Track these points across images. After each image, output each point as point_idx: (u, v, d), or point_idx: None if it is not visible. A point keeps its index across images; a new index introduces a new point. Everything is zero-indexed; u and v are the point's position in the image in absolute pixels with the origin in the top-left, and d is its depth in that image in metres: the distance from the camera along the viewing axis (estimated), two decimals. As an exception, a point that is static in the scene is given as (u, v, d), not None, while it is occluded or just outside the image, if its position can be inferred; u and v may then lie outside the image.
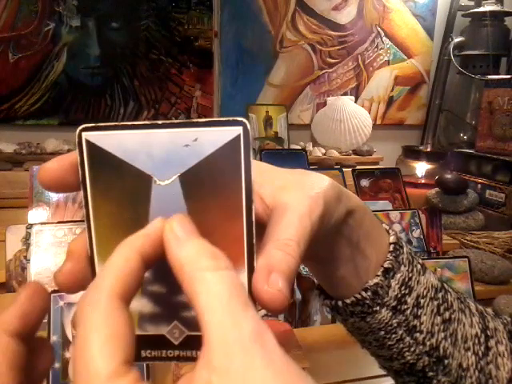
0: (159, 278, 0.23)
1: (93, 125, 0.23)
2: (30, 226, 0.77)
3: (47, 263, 0.73)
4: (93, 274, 0.24)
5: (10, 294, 0.79)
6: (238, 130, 0.22)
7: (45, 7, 1.55)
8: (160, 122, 0.22)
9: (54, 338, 0.56)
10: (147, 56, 1.68)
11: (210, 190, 0.22)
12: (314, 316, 0.79)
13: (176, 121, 0.22)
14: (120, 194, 0.23)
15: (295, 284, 0.79)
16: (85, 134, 0.23)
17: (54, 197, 0.92)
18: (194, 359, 0.23)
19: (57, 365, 0.55)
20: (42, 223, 0.79)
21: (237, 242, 0.22)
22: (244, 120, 0.22)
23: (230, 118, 0.22)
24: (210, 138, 0.22)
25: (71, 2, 1.57)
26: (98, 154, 0.23)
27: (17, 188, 1.20)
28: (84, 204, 0.23)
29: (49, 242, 0.75)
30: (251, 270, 0.22)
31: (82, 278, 0.23)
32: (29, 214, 0.90)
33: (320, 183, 0.27)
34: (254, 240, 0.22)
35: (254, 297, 0.22)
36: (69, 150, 1.46)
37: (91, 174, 0.23)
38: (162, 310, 0.23)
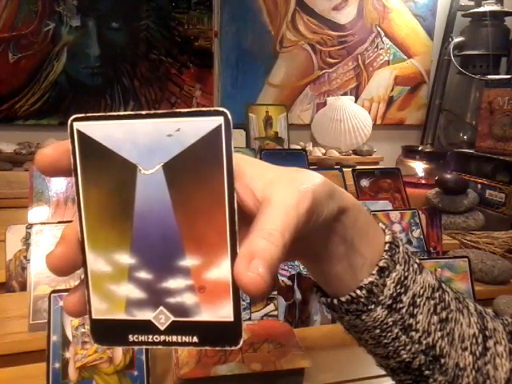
0: (146, 263, 0.24)
1: (83, 115, 0.23)
2: (29, 226, 0.77)
3: (47, 263, 0.73)
4: (83, 257, 0.24)
5: (10, 293, 0.79)
6: (219, 119, 0.22)
7: (45, 7, 1.55)
8: (144, 112, 0.23)
9: (54, 338, 0.56)
10: (147, 56, 1.68)
11: (193, 179, 0.23)
12: (314, 316, 0.79)
13: (159, 111, 0.23)
14: (108, 182, 0.24)
15: (295, 284, 0.79)
16: (76, 125, 0.23)
17: (54, 196, 0.92)
18: (179, 344, 0.24)
19: (57, 365, 0.55)
20: (42, 223, 0.79)
21: (220, 230, 0.23)
22: (225, 110, 0.22)
23: (212, 109, 0.22)
24: (192, 128, 0.23)
25: (71, 1, 1.57)
26: (87, 144, 0.23)
27: (17, 188, 1.20)
28: (75, 191, 0.24)
29: (49, 242, 0.75)
30: (234, 257, 0.23)
31: (71, 261, 0.24)
32: (29, 213, 0.90)
33: (311, 179, 0.27)
34: (237, 228, 0.23)
35: (235, 281, 0.22)
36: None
37: (82, 162, 0.24)
38: (149, 295, 0.24)
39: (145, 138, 0.23)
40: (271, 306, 0.75)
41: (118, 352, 0.57)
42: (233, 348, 0.23)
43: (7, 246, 0.81)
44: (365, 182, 1.19)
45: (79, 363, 0.56)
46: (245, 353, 0.60)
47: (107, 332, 0.25)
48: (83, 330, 0.57)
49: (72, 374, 0.56)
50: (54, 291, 0.58)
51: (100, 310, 0.24)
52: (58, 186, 0.93)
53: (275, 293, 0.75)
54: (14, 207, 1.11)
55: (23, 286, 0.79)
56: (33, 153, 1.46)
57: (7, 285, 0.80)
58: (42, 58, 1.57)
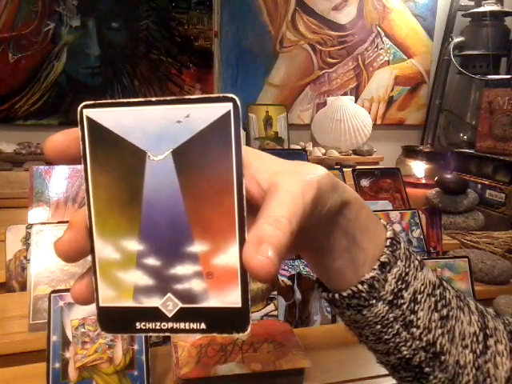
0: (154, 250, 0.24)
1: (93, 102, 0.23)
2: (30, 226, 0.77)
3: (47, 263, 0.73)
4: (91, 244, 0.24)
5: (10, 293, 0.79)
6: (228, 106, 0.22)
7: (45, 7, 1.55)
8: (154, 99, 0.23)
9: (54, 338, 0.56)
10: (147, 56, 1.68)
11: (202, 165, 0.23)
12: (314, 316, 0.79)
13: (169, 98, 0.23)
14: (117, 168, 0.24)
15: (295, 284, 0.79)
16: (85, 111, 0.23)
17: (54, 197, 0.92)
18: (186, 331, 0.24)
19: (57, 365, 0.55)
20: (42, 223, 0.79)
21: (228, 216, 0.23)
22: (234, 96, 0.22)
23: (221, 95, 0.22)
24: (202, 115, 0.23)
25: (71, 1, 1.57)
26: (97, 130, 0.23)
27: (17, 188, 1.20)
28: (84, 178, 0.24)
29: (49, 242, 0.75)
30: (242, 242, 0.23)
31: (80, 247, 0.24)
32: (29, 213, 0.90)
33: (315, 171, 0.27)
34: (245, 213, 0.23)
35: (244, 266, 0.22)
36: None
37: (91, 149, 0.24)
38: (156, 282, 0.24)
39: (154, 125, 0.23)
40: (271, 306, 0.75)
41: (118, 352, 0.57)
42: (241, 334, 0.24)
43: (7, 246, 0.80)
44: (365, 182, 1.19)
45: (79, 363, 0.56)
46: (245, 353, 0.60)
47: (114, 320, 0.25)
48: (83, 330, 0.57)
49: (72, 374, 0.56)
50: (53, 291, 0.58)
51: (107, 297, 0.24)
52: (58, 186, 0.93)
53: (275, 293, 0.75)
54: (14, 207, 1.11)
55: (23, 286, 0.79)
56: (33, 153, 1.46)
57: (7, 285, 0.80)
58: (42, 58, 1.57)
